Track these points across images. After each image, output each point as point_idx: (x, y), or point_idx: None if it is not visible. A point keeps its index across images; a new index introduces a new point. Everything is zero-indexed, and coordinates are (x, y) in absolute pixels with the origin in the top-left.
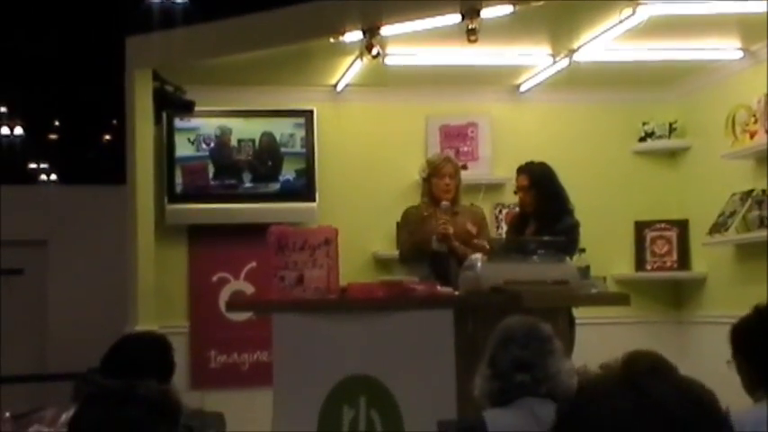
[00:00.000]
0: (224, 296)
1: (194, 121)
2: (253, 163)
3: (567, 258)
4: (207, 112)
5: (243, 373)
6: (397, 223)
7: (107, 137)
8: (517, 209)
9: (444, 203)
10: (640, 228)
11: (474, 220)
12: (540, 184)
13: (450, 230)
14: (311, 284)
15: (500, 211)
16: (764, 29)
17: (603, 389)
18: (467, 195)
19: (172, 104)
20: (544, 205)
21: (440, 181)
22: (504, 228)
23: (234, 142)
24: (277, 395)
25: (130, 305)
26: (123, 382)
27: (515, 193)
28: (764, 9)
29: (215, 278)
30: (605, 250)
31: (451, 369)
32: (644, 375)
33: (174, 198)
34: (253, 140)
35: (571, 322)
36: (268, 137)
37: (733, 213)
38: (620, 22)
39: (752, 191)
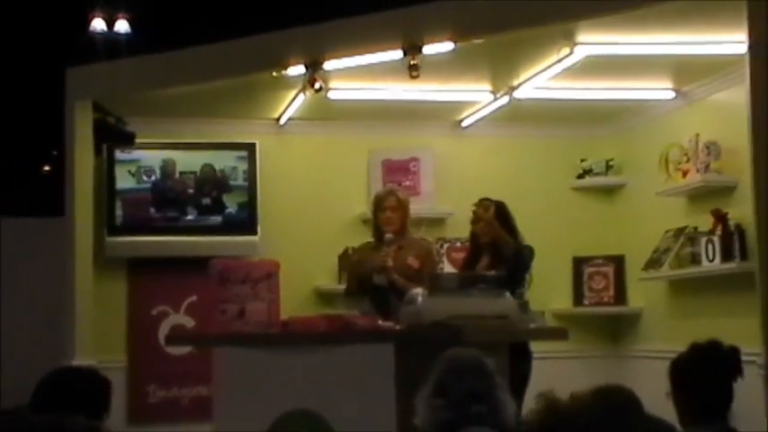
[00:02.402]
0: (164, 330)
1: (136, 153)
2: (195, 196)
3: (507, 294)
4: (148, 144)
5: (182, 408)
6: (339, 256)
7: (46, 168)
8: (467, 243)
9: (387, 236)
10: (578, 263)
11: (418, 254)
12: (503, 215)
13: (390, 263)
14: (252, 318)
15: (441, 246)
16: (695, 71)
17: (582, 420)
18: (412, 229)
19: (113, 136)
20: (505, 236)
21: (382, 214)
22: (445, 263)
23: (176, 174)
24: (217, 430)
25: (68, 339)
26: (51, 418)
27: (473, 222)
28: (695, 52)
29: (155, 312)
30: (544, 285)
31: (392, 403)
32: (620, 410)
33: (114, 230)
34: (195, 173)
35: (528, 355)
36: (210, 169)
37: (667, 250)
38: (559, 61)
39: (684, 228)
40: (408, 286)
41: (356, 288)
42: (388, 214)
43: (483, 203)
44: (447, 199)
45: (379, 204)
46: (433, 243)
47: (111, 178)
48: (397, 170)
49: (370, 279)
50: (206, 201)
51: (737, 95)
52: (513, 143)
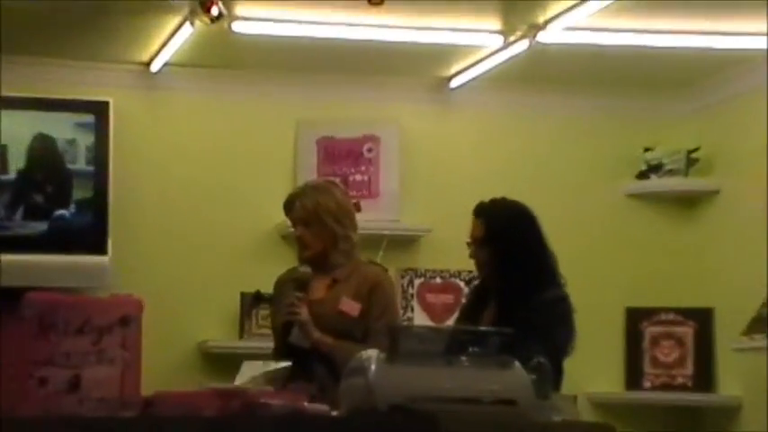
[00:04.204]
0: None
1: None
2: (20, 187)
3: (516, 364)
4: None
5: None
6: (243, 295)
7: None
8: (454, 280)
9: (302, 268)
10: (635, 318)
11: (359, 291)
12: (502, 236)
13: (302, 315)
14: (94, 392)
15: (409, 282)
16: None
17: None
18: (361, 252)
19: None
20: (510, 272)
21: (293, 231)
22: (414, 310)
23: None
24: None
25: None
26: None
27: (469, 245)
28: None
29: None
30: (579, 352)
31: None
32: None
33: None
34: (23, 147)
35: None
36: (46, 143)
37: None
38: None
39: None
40: (344, 349)
41: (279, 351)
42: (299, 232)
43: (475, 221)
44: (421, 206)
45: (287, 213)
46: (388, 272)
47: None
48: (343, 155)
49: (284, 338)
50: (38, 198)
51: None
52: (532, 118)
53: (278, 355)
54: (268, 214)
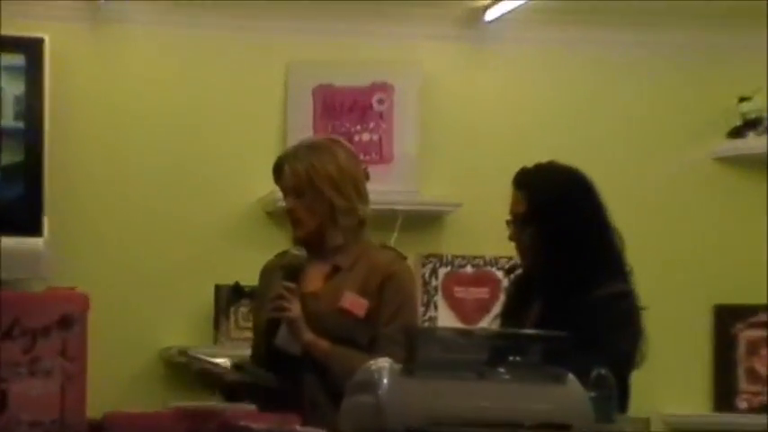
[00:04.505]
0: None
1: None
2: None
3: (571, 377)
4: None
5: None
6: (218, 289)
7: None
8: (515, 265)
9: (294, 251)
10: (726, 319)
11: (367, 284)
12: (550, 212)
13: (290, 312)
14: (24, 412)
15: (432, 273)
16: None
17: None
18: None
19: None
20: (561, 259)
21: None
22: (439, 307)
23: None
24: None
25: None
26: None
27: (508, 224)
28: None
29: None
30: (651, 364)
31: None
32: None
33: None
34: None
35: None
36: None
37: None
38: None
39: None
40: (340, 358)
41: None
42: (289, 204)
43: (515, 193)
44: (447, 173)
45: (277, 183)
46: (406, 260)
47: None
48: (346, 109)
49: (267, 340)
50: None
51: None
52: (591, 60)
53: (257, 362)
54: (250, 185)
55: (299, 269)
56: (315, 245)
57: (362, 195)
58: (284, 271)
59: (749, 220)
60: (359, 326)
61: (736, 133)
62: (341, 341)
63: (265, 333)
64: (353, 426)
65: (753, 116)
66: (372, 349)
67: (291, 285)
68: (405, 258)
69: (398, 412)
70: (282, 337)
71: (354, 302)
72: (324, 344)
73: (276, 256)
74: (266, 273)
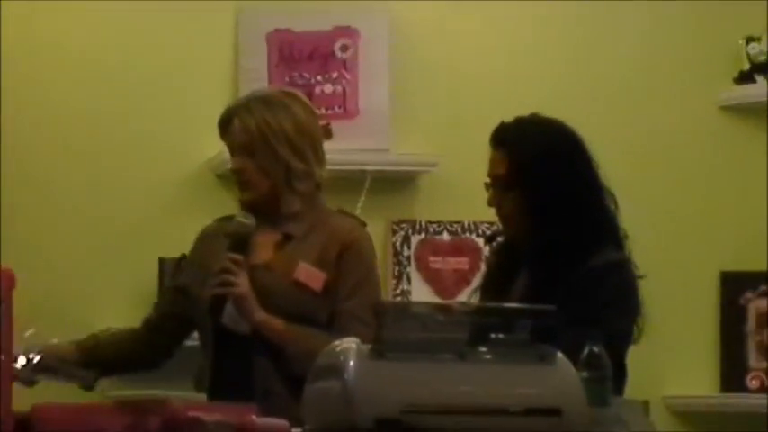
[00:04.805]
0: None
1: None
2: None
3: (560, 356)
4: None
5: None
6: (162, 262)
7: None
8: (496, 233)
9: (241, 217)
10: (734, 288)
11: (324, 254)
12: (534, 172)
13: (238, 287)
14: None
15: (404, 240)
16: None
17: None
18: (332, 198)
19: None
20: (548, 225)
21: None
22: (412, 280)
23: None
24: None
25: None
26: None
27: (488, 187)
28: None
29: None
30: (650, 340)
31: None
32: None
33: None
34: None
35: None
36: None
37: None
38: None
39: None
40: (297, 338)
41: (173, 323)
42: (236, 164)
43: (493, 152)
44: (420, 129)
45: (223, 139)
46: (366, 227)
47: None
48: (305, 57)
49: (203, 317)
50: None
51: None
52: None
53: (149, 330)
54: (197, 145)
55: (246, 238)
56: (264, 211)
57: (320, 157)
58: (230, 240)
59: (759, 175)
60: (316, 301)
61: (744, 78)
62: (296, 319)
63: (210, 312)
64: (318, 416)
65: (762, 59)
66: (332, 328)
67: (238, 257)
68: (364, 225)
69: (368, 399)
70: (229, 316)
71: (310, 275)
72: (277, 323)
73: (218, 221)
74: (205, 239)
